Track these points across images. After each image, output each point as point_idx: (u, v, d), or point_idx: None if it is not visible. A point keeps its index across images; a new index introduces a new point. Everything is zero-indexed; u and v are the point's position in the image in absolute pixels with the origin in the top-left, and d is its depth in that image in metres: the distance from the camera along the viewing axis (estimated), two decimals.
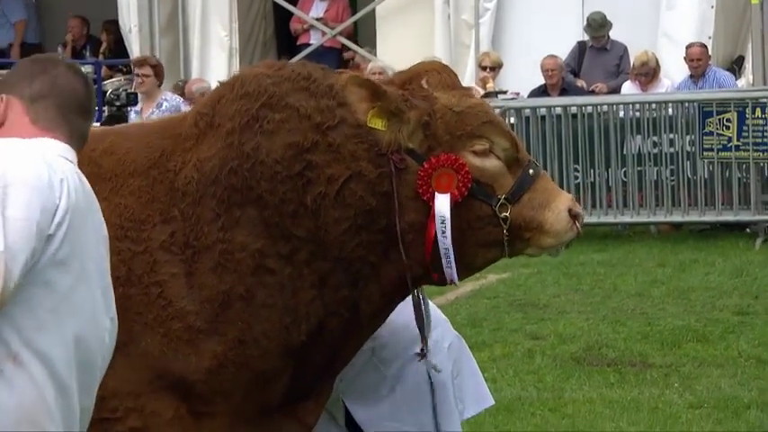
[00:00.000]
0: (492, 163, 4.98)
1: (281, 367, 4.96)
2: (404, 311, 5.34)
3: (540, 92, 16.52)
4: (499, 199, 4.94)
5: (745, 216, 15.18)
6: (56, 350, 3.67)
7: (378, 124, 4.91)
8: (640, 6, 17.34)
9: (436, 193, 4.88)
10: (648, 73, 16.24)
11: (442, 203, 4.87)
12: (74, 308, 3.71)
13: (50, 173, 3.67)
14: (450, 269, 4.93)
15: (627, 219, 15.55)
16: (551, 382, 9.89)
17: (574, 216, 4.99)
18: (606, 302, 12.41)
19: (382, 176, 4.93)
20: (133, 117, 15.06)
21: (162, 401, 4.81)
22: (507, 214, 4.93)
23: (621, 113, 15.56)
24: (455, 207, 4.88)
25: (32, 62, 3.97)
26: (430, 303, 5.62)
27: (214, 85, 17.81)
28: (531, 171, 5.02)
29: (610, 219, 15.56)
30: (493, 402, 6.11)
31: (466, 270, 5.14)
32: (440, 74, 5.13)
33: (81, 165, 4.77)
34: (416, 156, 4.94)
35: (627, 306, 12.27)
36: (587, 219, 15.16)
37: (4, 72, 4.12)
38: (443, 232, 4.87)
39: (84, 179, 3.82)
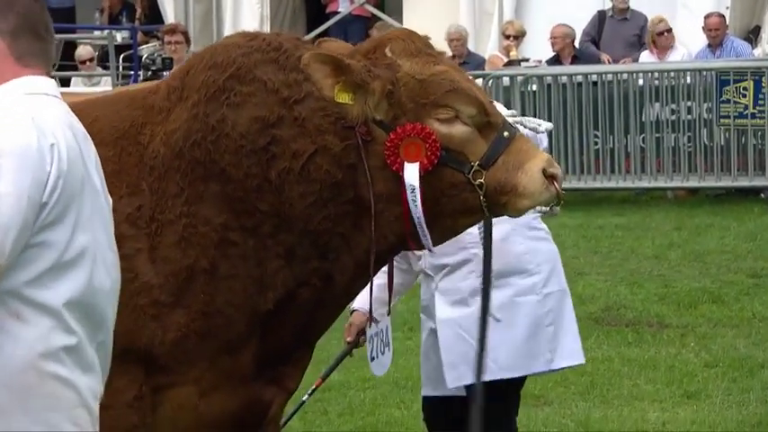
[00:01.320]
0: (459, 129, 4.79)
1: (245, 334, 4.86)
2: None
3: (553, 60, 16.48)
4: (472, 165, 4.76)
5: (760, 182, 15.15)
6: (61, 301, 3.63)
7: (345, 98, 4.74)
8: None
9: (405, 163, 4.73)
10: (662, 32, 16.18)
11: (411, 173, 4.71)
12: (74, 258, 3.64)
13: (40, 139, 3.54)
14: (425, 237, 4.80)
15: (645, 184, 15.47)
16: None
17: (550, 176, 4.76)
18: (624, 265, 12.40)
19: (348, 149, 4.79)
20: None
21: (125, 378, 4.69)
22: (482, 180, 4.75)
23: (641, 81, 15.45)
24: (426, 176, 4.73)
25: None
26: (544, 247, 5.81)
27: None
28: (505, 133, 4.82)
29: (628, 184, 15.51)
30: (583, 361, 6.18)
31: (450, 234, 5.04)
32: (404, 41, 4.91)
33: None
34: (384, 126, 4.78)
35: (644, 268, 12.25)
36: (606, 184, 15.41)
37: None
38: (414, 201, 4.72)
39: (75, 121, 3.71)
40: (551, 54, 16.67)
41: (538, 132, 5.91)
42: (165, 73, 15.41)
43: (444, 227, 4.87)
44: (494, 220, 5.28)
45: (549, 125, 6.38)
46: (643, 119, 15.29)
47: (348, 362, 9.10)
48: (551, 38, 16.45)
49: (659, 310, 10.82)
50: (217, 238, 4.78)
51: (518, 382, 6.01)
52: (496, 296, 5.75)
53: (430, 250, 4.98)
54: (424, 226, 4.75)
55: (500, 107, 6.18)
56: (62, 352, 3.63)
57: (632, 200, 15.72)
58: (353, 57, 4.84)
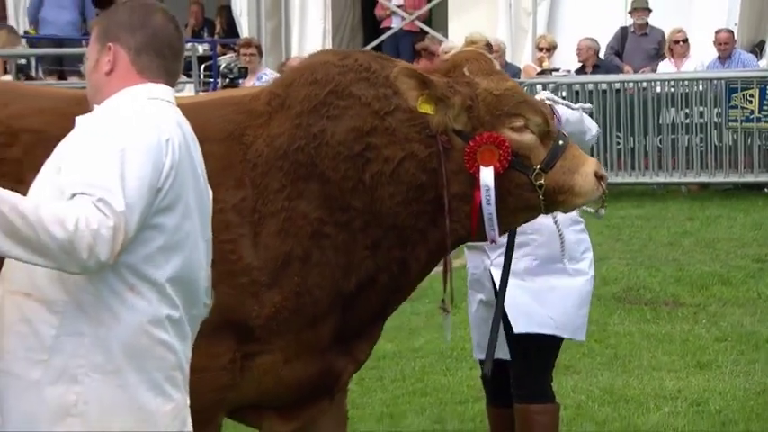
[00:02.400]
0: (527, 137, 4.88)
1: (328, 311, 4.91)
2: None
3: (580, 70, 16.43)
4: (535, 169, 4.85)
5: (764, 178, 15.03)
6: (165, 278, 3.68)
7: (427, 109, 4.81)
8: None
9: (481, 167, 4.80)
10: (679, 41, 16.13)
11: (487, 175, 4.78)
12: (179, 241, 3.71)
13: (159, 135, 3.63)
14: (494, 231, 4.87)
15: (661, 179, 15.40)
16: (596, 317, 9.80)
17: (599, 177, 4.91)
18: (643, 250, 12.35)
19: (431, 155, 4.85)
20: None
21: (222, 345, 4.77)
22: (542, 181, 4.85)
23: (658, 89, 15.40)
24: (497, 178, 4.81)
25: (131, 12, 3.83)
26: (585, 237, 5.86)
27: None
28: (560, 142, 4.92)
29: (646, 179, 15.44)
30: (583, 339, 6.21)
31: (510, 228, 5.15)
32: (478, 62, 5.01)
33: None
34: (462, 135, 4.84)
35: (661, 254, 12.20)
36: (627, 179, 15.38)
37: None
38: (488, 200, 4.80)
39: (185, 122, 3.79)
40: (578, 65, 16.62)
41: (572, 108, 5.98)
42: (240, 80, 15.51)
43: (507, 221, 4.96)
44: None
45: (588, 106, 6.53)
46: (660, 122, 15.22)
47: (399, 334, 9.17)
48: (577, 50, 16.37)
49: (674, 291, 10.78)
50: (312, 231, 4.83)
51: (560, 344, 6.01)
52: (555, 275, 5.86)
53: (494, 242, 5.01)
54: (494, 221, 4.83)
55: (545, 93, 6.24)
56: (166, 321, 3.69)
57: (650, 193, 15.65)
58: (434, 74, 4.92)
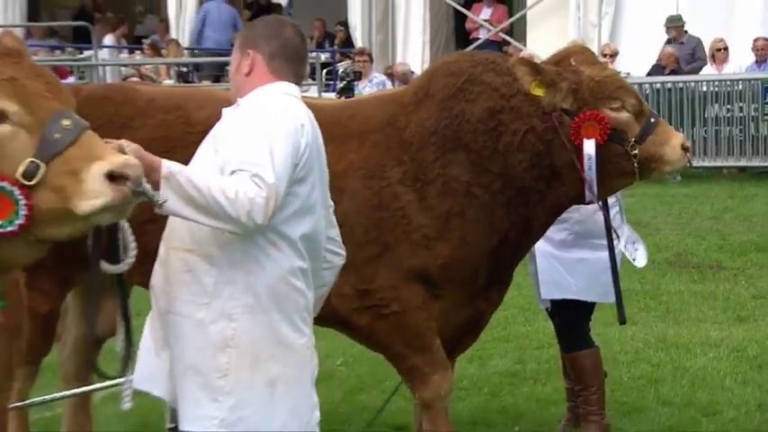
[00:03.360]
0: (624, 115, 4.95)
1: (483, 263, 5.00)
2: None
3: (657, 70, 16.16)
4: (630, 141, 4.92)
5: None
6: (298, 236, 3.75)
7: (539, 92, 4.92)
8: (719, 8, 16.79)
9: (584, 139, 4.88)
10: (720, 49, 15.84)
11: (589, 146, 4.87)
12: (309, 206, 3.79)
13: (296, 121, 3.72)
14: (593, 195, 4.96)
15: (706, 163, 15.10)
16: (651, 278, 9.77)
17: (685, 149, 4.98)
18: (690, 223, 12.18)
19: (547, 129, 4.96)
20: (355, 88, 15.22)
21: (412, 291, 4.89)
22: (636, 152, 4.92)
23: (704, 88, 15.18)
24: (598, 149, 4.87)
25: (266, 25, 3.95)
26: (618, 218, 5.76)
27: (413, 66, 17.90)
28: (652, 119, 4.99)
29: (694, 163, 15.14)
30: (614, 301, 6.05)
31: (608, 193, 5.18)
32: (582, 54, 5.13)
33: (333, 127, 4.91)
34: (569, 113, 4.94)
35: (705, 225, 12.03)
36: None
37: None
38: (590, 167, 4.89)
39: (310, 113, 3.85)
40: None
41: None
42: (355, 82, 15.54)
43: (606, 186, 5.01)
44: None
45: None
46: (705, 116, 14.99)
47: None
48: (661, 55, 16.11)
49: (717, 257, 10.63)
50: (464, 191, 4.92)
51: (591, 305, 5.94)
52: (585, 249, 5.78)
53: (595, 202, 5.05)
54: (594, 185, 4.90)
55: None
56: (299, 271, 3.78)
57: (696, 175, 15.38)
58: (546, 64, 5.03)
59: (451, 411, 6.05)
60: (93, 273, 3.36)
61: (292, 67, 3.88)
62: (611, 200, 5.50)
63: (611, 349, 7.33)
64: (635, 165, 4.91)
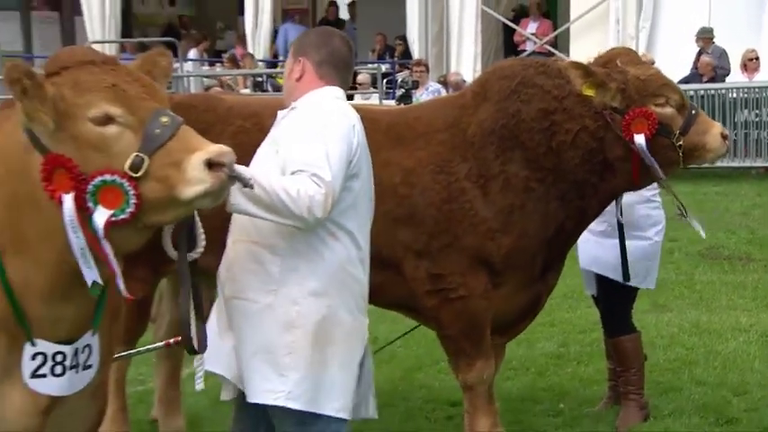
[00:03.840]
0: (668, 110, 4.89)
1: (539, 252, 4.98)
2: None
3: (695, 77, 15.93)
4: (675, 133, 4.85)
5: None
6: (354, 226, 3.76)
7: (590, 92, 4.85)
8: (749, 21, 16.53)
9: (634, 135, 4.83)
10: (751, 59, 15.60)
11: (640, 140, 4.81)
12: (361, 199, 3.78)
13: (348, 122, 3.72)
14: (660, 176, 4.90)
15: (735, 164, 14.93)
16: (685, 269, 9.67)
17: (724, 137, 4.91)
18: (722, 218, 11.99)
19: (599, 127, 4.90)
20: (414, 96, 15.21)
21: (477, 278, 4.88)
22: (681, 143, 4.85)
23: (734, 95, 14.98)
24: (648, 142, 4.82)
25: (317, 35, 3.94)
26: (654, 213, 5.71)
27: (465, 76, 17.79)
28: (693, 112, 4.92)
29: (725, 164, 14.87)
30: (651, 287, 5.99)
31: (653, 181, 5.12)
32: (627, 55, 5.06)
33: (401, 128, 4.89)
34: (618, 111, 4.88)
35: (735, 221, 11.85)
36: (710, 165, 14.89)
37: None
38: (646, 158, 4.83)
39: (357, 115, 3.84)
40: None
41: None
42: (413, 90, 15.53)
43: (650, 176, 4.94)
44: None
45: None
46: (735, 119, 14.77)
47: None
48: (699, 64, 15.85)
49: (747, 249, 10.47)
50: (523, 186, 4.88)
51: (633, 293, 5.87)
52: (626, 239, 5.64)
53: (664, 180, 5.00)
54: (658, 169, 4.83)
55: None
56: (356, 259, 3.79)
57: (727, 175, 15.19)
58: (595, 66, 4.95)
59: (502, 389, 6.06)
60: (181, 260, 3.39)
61: (339, 73, 3.86)
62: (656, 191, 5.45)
63: (648, 334, 7.23)
64: (680, 154, 4.85)
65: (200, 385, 3.86)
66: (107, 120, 3.03)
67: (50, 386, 3.23)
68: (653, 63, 17.58)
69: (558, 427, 5.81)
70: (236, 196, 3.45)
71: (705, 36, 16.36)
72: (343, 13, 23.03)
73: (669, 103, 4.88)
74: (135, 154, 3.01)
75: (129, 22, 21.99)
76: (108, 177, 3.00)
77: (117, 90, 3.05)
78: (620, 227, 5.35)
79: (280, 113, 3.88)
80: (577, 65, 4.88)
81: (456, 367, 5.05)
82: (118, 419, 5.38)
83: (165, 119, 3.05)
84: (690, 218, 5.23)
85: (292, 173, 3.56)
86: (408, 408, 6.14)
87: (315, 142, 3.59)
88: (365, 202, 3.83)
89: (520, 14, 19.74)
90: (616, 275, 5.66)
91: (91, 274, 3.04)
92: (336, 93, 3.85)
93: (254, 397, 3.70)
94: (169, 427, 5.71)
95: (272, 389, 3.67)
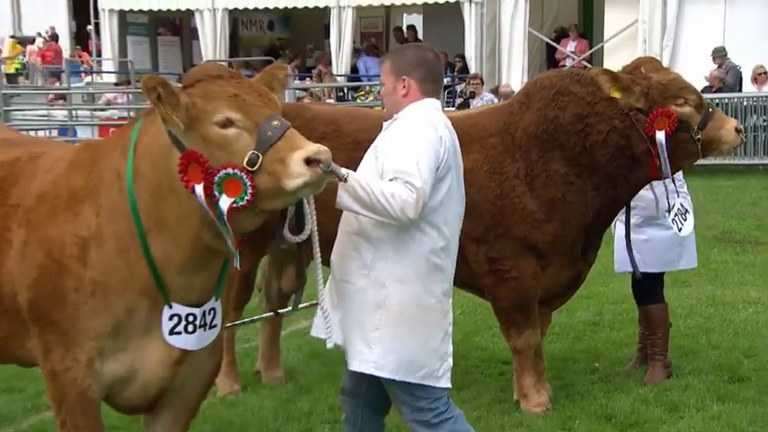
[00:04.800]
0: (687, 109, 4.80)
1: (579, 236, 4.94)
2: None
3: (706, 89, 15.60)
4: (693, 129, 4.76)
5: None
6: (440, 220, 3.69)
7: (617, 95, 4.78)
8: (760, 40, 16.14)
9: (656, 131, 4.75)
10: (761, 73, 15.24)
11: (661, 136, 4.73)
12: (448, 198, 3.71)
13: (436, 134, 3.64)
14: (667, 173, 4.83)
15: (746, 161, 14.67)
16: (702, 250, 9.22)
17: (738, 131, 4.80)
18: (733, 207, 11.76)
19: (626, 127, 4.82)
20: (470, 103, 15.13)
21: (527, 262, 4.87)
22: (699, 137, 4.76)
23: (745, 102, 14.73)
24: (669, 138, 4.74)
25: (413, 53, 3.81)
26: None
27: (514, 87, 17.69)
28: (710, 110, 4.81)
29: (736, 161, 14.76)
30: (696, 265, 5.90)
31: (679, 169, 5.05)
32: (651, 63, 4.98)
33: (459, 133, 4.81)
34: (643, 112, 4.80)
35: (746, 209, 11.60)
36: (723, 161, 14.58)
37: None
38: (662, 153, 4.75)
39: (449, 123, 3.76)
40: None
41: None
42: (470, 100, 15.44)
43: (676, 165, 4.87)
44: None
45: None
46: (746, 124, 14.39)
47: None
48: (710, 77, 15.48)
49: (756, 234, 10.23)
50: (563, 181, 4.85)
51: (661, 273, 5.75)
52: (651, 228, 5.56)
53: (669, 177, 4.90)
54: (668, 166, 4.77)
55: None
56: (440, 250, 3.71)
57: (738, 171, 14.92)
58: (622, 73, 4.88)
59: (546, 350, 5.99)
60: (278, 240, 3.41)
61: (434, 86, 3.81)
62: (678, 182, 5.35)
63: (670, 305, 6.97)
64: (699, 147, 4.76)
65: (330, 343, 3.67)
66: (228, 123, 3.11)
67: (184, 342, 3.31)
68: None
69: (593, 383, 5.75)
70: (343, 196, 3.46)
71: (719, 54, 16.05)
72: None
73: (688, 102, 4.79)
74: (251, 152, 3.07)
75: (236, 45, 22.28)
76: (230, 171, 3.06)
77: (238, 99, 3.12)
78: (628, 234, 5.20)
79: (384, 123, 3.81)
80: (606, 71, 4.81)
81: (507, 335, 5.04)
82: (229, 371, 5.47)
83: (275, 122, 3.10)
84: (674, 216, 5.14)
85: (390, 180, 3.53)
86: (467, 365, 6.13)
87: (408, 152, 3.55)
88: (454, 199, 3.75)
89: (561, 35, 19.52)
90: (653, 269, 5.58)
91: (229, 240, 3.13)
92: (434, 104, 3.78)
93: (351, 364, 3.71)
94: (270, 377, 5.78)
95: (364, 359, 3.66)
